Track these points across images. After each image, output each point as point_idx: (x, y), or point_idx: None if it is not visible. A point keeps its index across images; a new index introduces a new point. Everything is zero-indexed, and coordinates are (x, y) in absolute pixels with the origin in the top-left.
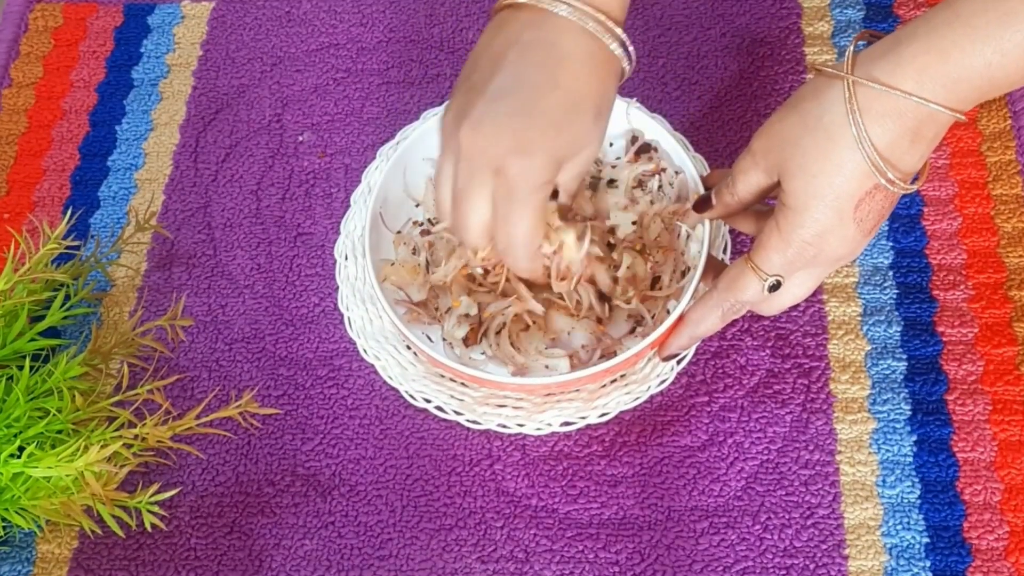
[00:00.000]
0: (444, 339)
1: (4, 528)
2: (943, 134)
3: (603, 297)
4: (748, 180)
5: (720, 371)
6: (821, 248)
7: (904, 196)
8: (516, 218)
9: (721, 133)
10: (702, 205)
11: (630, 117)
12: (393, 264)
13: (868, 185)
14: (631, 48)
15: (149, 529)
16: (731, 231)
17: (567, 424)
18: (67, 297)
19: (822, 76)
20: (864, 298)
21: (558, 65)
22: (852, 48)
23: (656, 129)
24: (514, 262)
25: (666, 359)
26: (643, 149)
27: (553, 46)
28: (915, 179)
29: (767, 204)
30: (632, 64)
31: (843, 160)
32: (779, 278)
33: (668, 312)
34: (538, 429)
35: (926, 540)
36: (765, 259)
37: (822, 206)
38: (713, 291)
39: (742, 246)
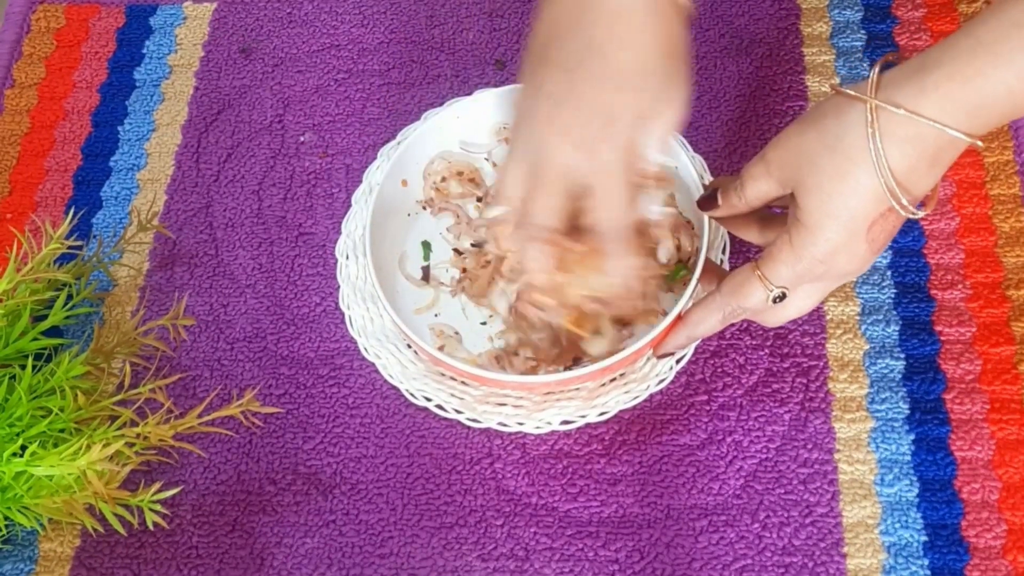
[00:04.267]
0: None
1: (6, 526)
2: (956, 159)
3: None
4: (758, 187)
5: (719, 370)
6: (831, 265)
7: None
8: (609, 201)
9: (720, 133)
10: (707, 203)
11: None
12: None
13: (883, 208)
14: None
15: (151, 527)
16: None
17: (567, 423)
18: (69, 297)
19: (844, 96)
20: (862, 297)
21: (620, 23)
22: (876, 70)
23: None
24: (613, 252)
25: (661, 357)
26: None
27: (610, 3)
28: (921, 206)
29: (771, 211)
30: (692, 4)
31: (860, 182)
32: (785, 290)
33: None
34: (538, 428)
35: (924, 538)
36: (774, 271)
37: (836, 226)
38: (716, 294)
39: (741, 245)
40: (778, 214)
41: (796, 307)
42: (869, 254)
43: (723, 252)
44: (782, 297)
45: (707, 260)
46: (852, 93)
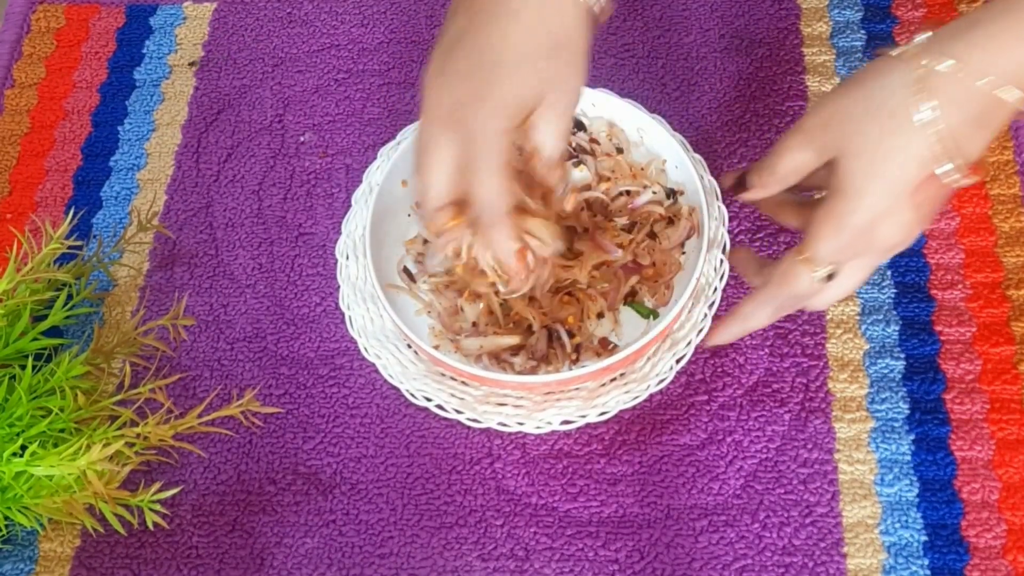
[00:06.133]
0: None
1: (7, 526)
2: (1005, 124)
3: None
4: (793, 159)
5: (719, 370)
6: (874, 235)
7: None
8: (482, 173)
9: (720, 134)
10: (738, 188)
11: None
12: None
13: (928, 170)
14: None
15: (151, 527)
16: (729, 231)
17: (567, 423)
18: (69, 297)
19: (889, 58)
20: (862, 297)
21: (511, 7)
22: (921, 31)
23: (656, 129)
24: (485, 227)
25: (712, 348)
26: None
27: None
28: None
29: (806, 196)
30: (603, 4)
31: (906, 143)
32: (832, 268)
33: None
34: (538, 427)
35: (924, 538)
36: (816, 248)
37: (879, 190)
38: (766, 287)
39: (742, 245)
40: (815, 199)
41: (842, 287)
42: (915, 223)
43: (723, 252)
44: (829, 277)
45: (748, 253)
46: (897, 53)
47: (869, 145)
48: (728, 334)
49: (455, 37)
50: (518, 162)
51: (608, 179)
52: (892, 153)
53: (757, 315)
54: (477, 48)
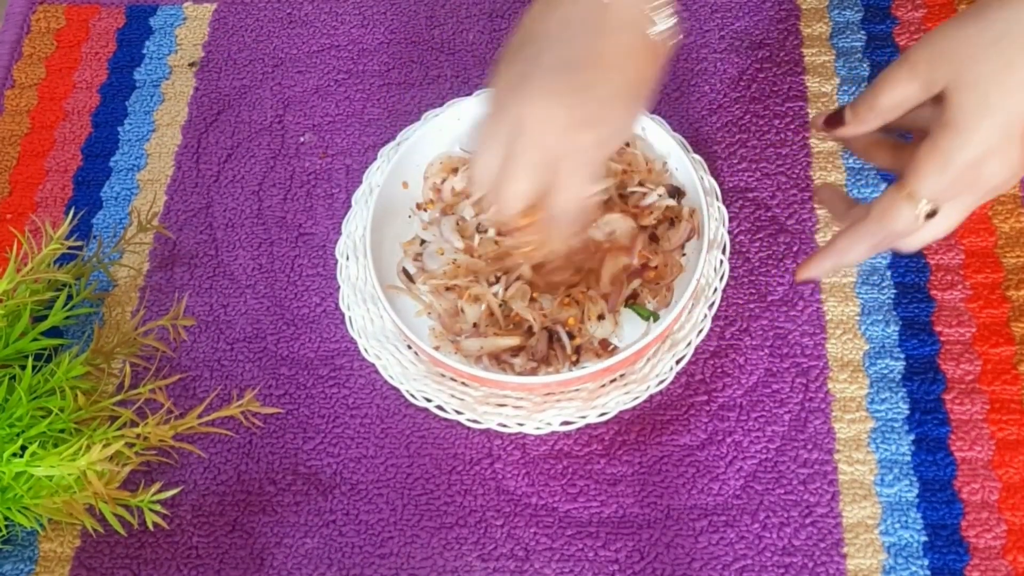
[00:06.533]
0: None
1: (7, 527)
2: None
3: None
4: (896, 92)
5: (719, 370)
6: (981, 172)
7: None
8: (571, 191)
9: (720, 134)
10: (833, 121)
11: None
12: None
13: None
14: (676, 23)
15: (151, 528)
16: (729, 231)
17: (567, 423)
18: (69, 297)
19: None
20: (862, 298)
21: (608, 46)
22: None
23: (656, 130)
24: (559, 229)
25: (802, 282)
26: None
27: (603, 25)
28: None
29: (903, 139)
30: (678, 38)
31: None
32: (934, 205)
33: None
34: (538, 428)
35: (924, 539)
36: (920, 183)
37: (992, 124)
38: (864, 222)
39: (742, 246)
40: (908, 141)
41: (941, 225)
42: (1021, 164)
43: (723, 252)
44: (933, 213)
45: (834, 189)
46: None
47: (984, 77)
48: (821, 268)
49: (549, 49)
50: None
51: (626, 172)
52: (1010, 86)
53: (854, 250)
54: (578, 75)
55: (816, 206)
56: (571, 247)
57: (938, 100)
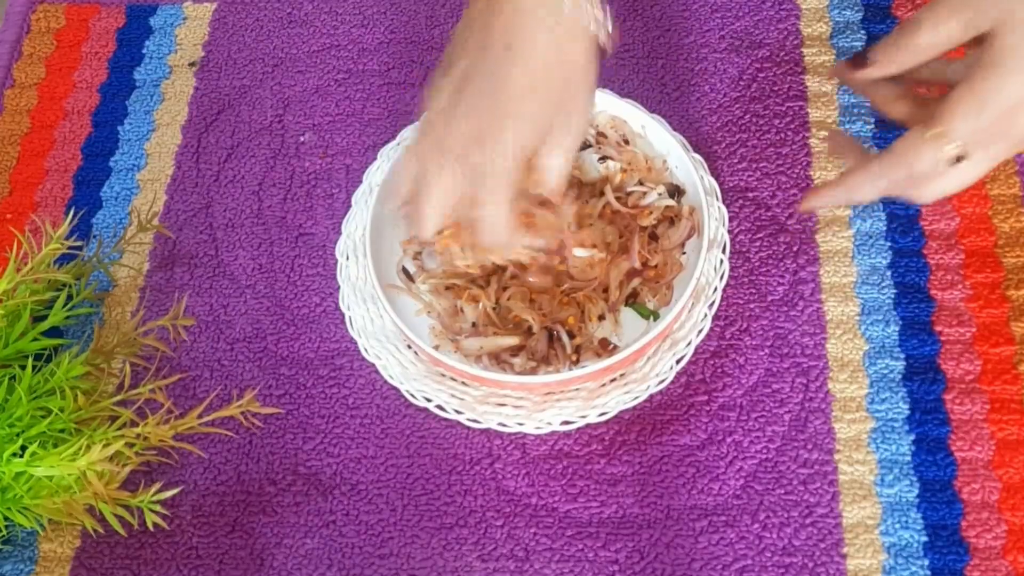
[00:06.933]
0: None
1: (6, 527)
2: None
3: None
4: (938, 31)
5: (719, 370)
6: (1016, 119)
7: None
8: (489, 208)
9: (720, 134)
10: (858, 61)
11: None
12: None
13: None
14: (606, 17)
15: (151, 528)
16: (730, 231)
17: (567, 423)
18: (69, 297)
19: None
20: (862, 298)
21: (520, 43)
22: None
23: (655, 129)
24: (489, 247)
25: (806, 212)
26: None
27: (514, 22)
28: None
29: (923, 95)
30: (610, 35)
31: None
32: (962, 149)
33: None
34: (538, 428)
35: (924, 539)
36: (953, 124)
37: None
38: (883, 158)
39: (742, 246)
40: (931, 98)
41: (965, 174)
42: None
43: (723, 252)
44: (959, 159)
45: (841, 136)
46: None
47: None
48: (827, 200)
49: (463, 72)
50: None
51: (625, 171)
52: None
53: (865, 188)
54: (485, 85)
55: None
56: (530, 255)
57: (976, 43)
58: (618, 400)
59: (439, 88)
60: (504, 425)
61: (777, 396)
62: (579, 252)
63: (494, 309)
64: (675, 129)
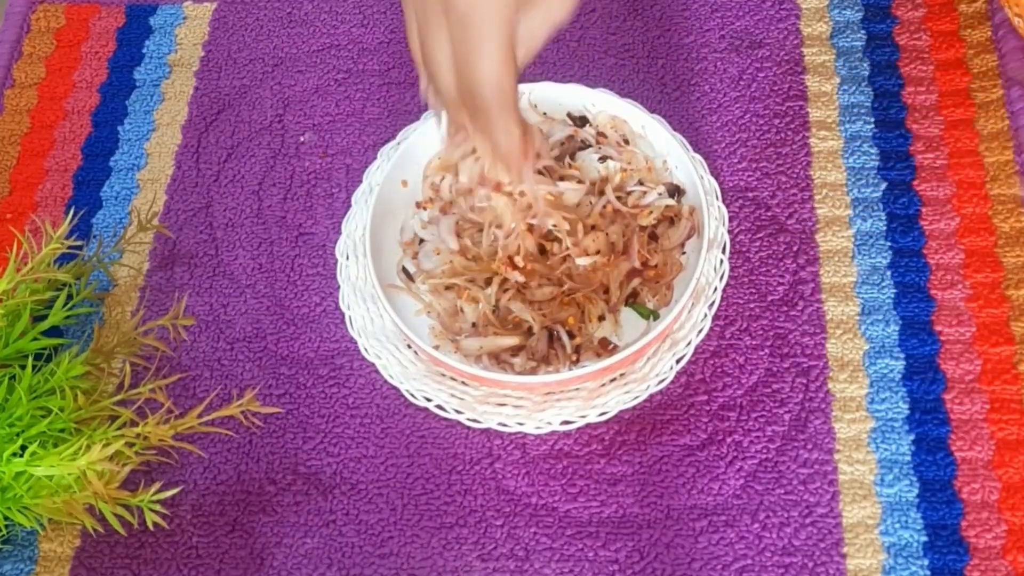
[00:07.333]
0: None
1: (6, 527)
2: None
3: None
4: None
5: (719, 370)
6: None
7: (901, 197)
8: (484, 56)
9: (720, 134)
10: None
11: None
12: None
13: None
14: None
15: (151, 527)
16: (730, 231)
17: (567, 423)
18: (69, 297)
19: None
20: (862, 297)
21: None
22: None
23: (655, 129)
24: (489, 113)
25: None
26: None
27: None
28: None
29: None
30: None
31: None
32: None
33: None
34: (538, 428)
35: (924, 539)
36: None
37: None
38: None
39: (743, 246)
40: None
41: None
42: None
43: (723, 252)
44: None
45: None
46: None
47: None
48: None
49: None
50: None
51: (625, 171)
52: None
53: None
54: None
55: (816, 206)
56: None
57: None
58: (618, 400)
59: None
60: (504, 425)
61: (777, 396)
62: (582, 261)
63: (494, 310)
64: (675, 129)
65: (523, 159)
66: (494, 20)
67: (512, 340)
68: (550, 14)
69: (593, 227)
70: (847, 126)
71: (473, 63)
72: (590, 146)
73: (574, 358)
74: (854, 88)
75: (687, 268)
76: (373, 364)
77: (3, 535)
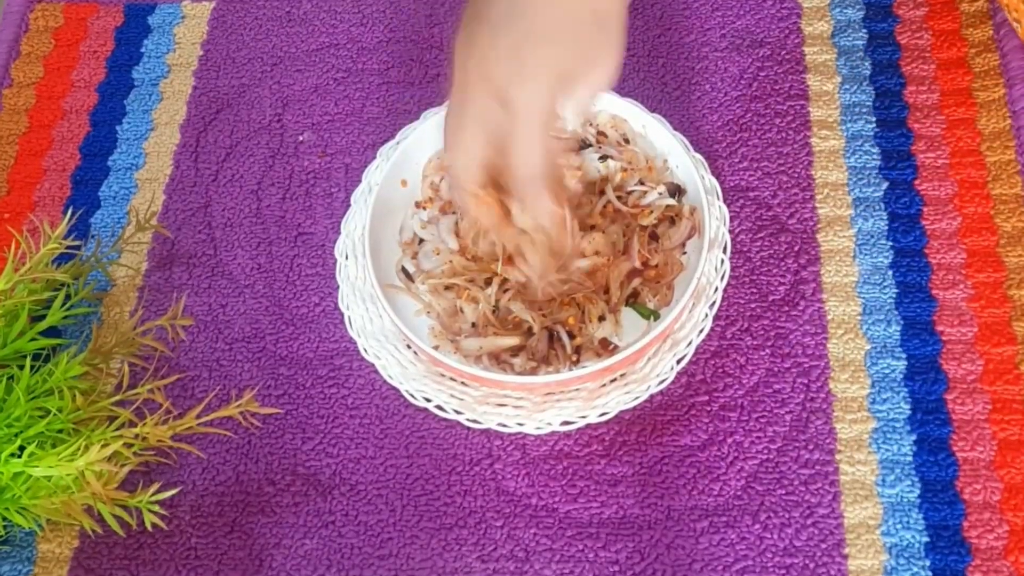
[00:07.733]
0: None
1: (5, 527)
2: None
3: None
4: None
5: (720, 370)
6: None
7: (903, 196)
8: (525, 147)
9: (721, 133)
10: None
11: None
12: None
13: None
14: None
15: (149, 528)
16: (730, 231)
17: (567, 423)
18: (68, 297)
19: None
20: (863, 297)
21: None
22: None
23: (656, 128)
24: (529, 198)
25: None
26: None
27: None
28: None
29: None
30: None
31: None
32: None
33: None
34: (538, 428)
35: (926, 539)
36: None
37: None
38: None
39: (743, 245)
40: None
41: None
42: None
43: (724, 251)
44: None
45: None
46: None
47: None
48: None
49: (491, 5)
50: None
51: (626, 171)
52: None
53: None
54: (518, 20)
55: (818, 206)
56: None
57: None
58: (618, 400)
59: (466, 27)
60: (504, 425)
61: (778, 396)
62: (581, 263)
63: (494, 310)
64: (676, 128)
65: (563, 237)
66: (538, 117)
67: (512, 340)
68: (594, 89)
69: (593, 227)
70: (848, 125)
71: (519, 154)
72: (590, 145)
73: (574, 358)
74: (855, 87)
75: (688, 268)
76: (372, 364)
77: (1, 536)
